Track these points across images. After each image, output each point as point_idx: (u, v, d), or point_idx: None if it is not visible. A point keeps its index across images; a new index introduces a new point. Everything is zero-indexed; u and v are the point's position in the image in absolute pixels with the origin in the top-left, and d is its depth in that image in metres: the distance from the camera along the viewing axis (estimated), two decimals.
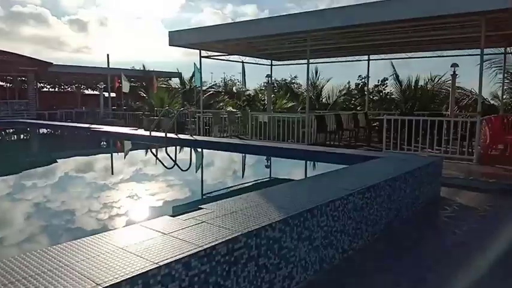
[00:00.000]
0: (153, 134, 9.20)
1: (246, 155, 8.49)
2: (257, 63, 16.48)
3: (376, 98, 19.48)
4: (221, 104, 21.43)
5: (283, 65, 16.24)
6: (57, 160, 8.99)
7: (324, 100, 20.57)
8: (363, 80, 20.74)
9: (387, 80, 19.40)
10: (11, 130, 16.00)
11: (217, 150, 8.85)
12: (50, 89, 34.87)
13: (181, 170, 8.08)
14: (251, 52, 14.30)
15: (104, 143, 11.94)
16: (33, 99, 24.57)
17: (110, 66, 23.51)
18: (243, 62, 16.63)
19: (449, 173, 7.33)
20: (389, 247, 4.05)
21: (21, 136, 15.84)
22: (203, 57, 13.24)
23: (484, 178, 7.00)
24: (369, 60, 14.72)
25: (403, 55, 14.62)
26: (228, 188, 6.80)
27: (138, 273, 1.94)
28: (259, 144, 8.61)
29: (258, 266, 2.70)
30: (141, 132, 10.02)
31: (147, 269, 1.99)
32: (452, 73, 12.57)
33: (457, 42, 12.52)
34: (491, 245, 4.13)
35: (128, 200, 5.59)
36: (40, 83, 32.92)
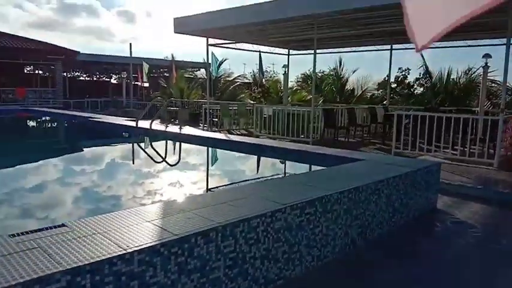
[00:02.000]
0: (139, 125, 8.67)
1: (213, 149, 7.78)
2: (274, 53, 15.67)
3: (405, 91, 18.09)
4: (242, 96, 20.74)
5: (299, 54, 15.26)
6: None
7: (349, 93, 19.40)
8: (403, 73, 19.34)
9: (430, 72, 17.76)
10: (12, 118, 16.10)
11: (192, 144, 8.15)
12: (86, 78, 35.69)
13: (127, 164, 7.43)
14: (262, 40, 13.47)
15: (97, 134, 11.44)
16: (61, 87, 24.94)
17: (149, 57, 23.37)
18: (260, 52, 15.86)
19: (458, 179, 6.30)
20: (335, 280, 3.23)
21: (17, 125, 15.86)
22: (211, 45, 12.58)
23: (498, 188, 5.93)
24: (391, 50, 13.49)
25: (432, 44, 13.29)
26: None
27: None
28: (206, 137, 7.88)
29: None
30: (132, 123, 9.52)
31: None
32: (484, 65, 11.23)
33: (491, 30, 11.13)
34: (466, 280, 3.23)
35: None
36: (75, 71, 33.71)
